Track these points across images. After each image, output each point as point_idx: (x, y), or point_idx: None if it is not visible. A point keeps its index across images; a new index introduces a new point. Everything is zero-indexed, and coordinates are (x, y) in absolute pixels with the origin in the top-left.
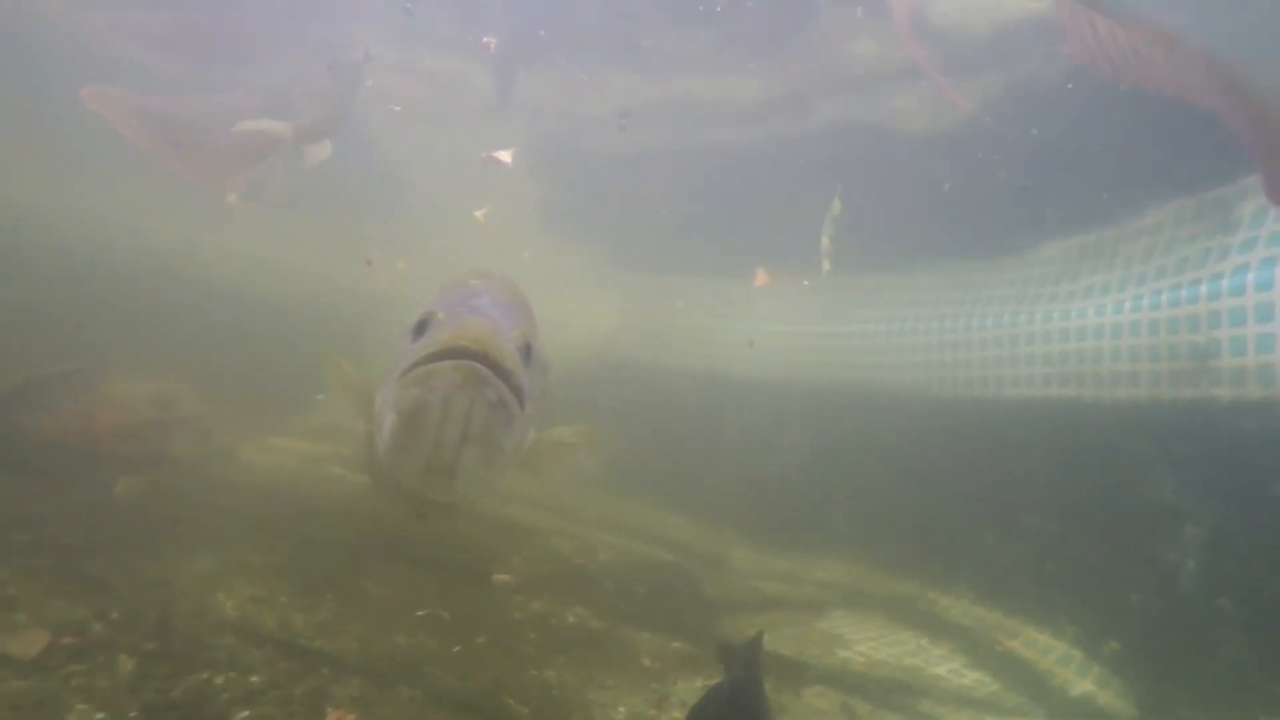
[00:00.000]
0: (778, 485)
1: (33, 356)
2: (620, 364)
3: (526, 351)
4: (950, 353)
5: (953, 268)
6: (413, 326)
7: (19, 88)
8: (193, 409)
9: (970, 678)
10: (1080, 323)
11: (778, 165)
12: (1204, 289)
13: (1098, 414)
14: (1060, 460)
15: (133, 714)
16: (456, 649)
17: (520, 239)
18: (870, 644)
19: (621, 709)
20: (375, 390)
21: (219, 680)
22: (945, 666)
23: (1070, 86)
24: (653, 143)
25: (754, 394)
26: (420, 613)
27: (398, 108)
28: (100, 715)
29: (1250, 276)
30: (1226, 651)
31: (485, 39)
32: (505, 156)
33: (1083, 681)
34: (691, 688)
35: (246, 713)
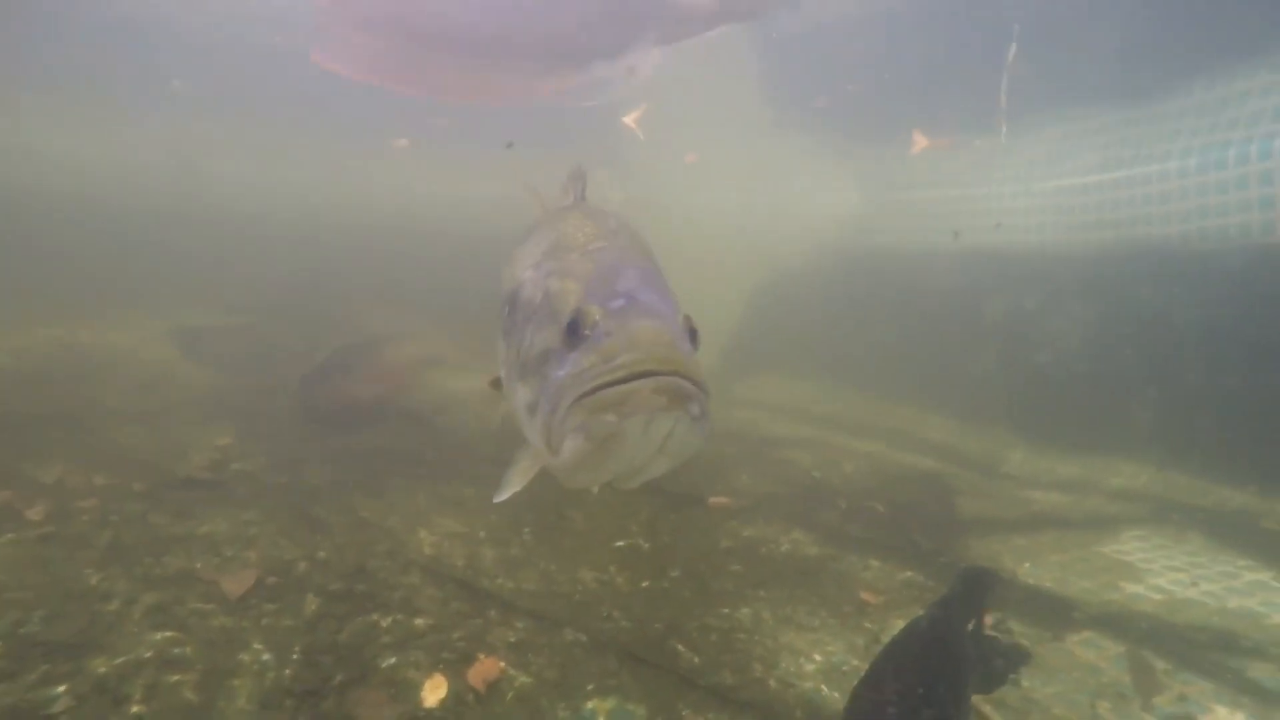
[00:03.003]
0: (1056, 373)
1: (322, 331)
2: (863, 253)
3: (694, 336)
4: None
5: None
6: (564, 327)
7: None
8: (459, 366)
9: None
10: None
11: None
12: None
13: None
14: None
15: (295, 655)
16: (645, 584)
17: (684, 139)
18: (1176, 575)
19: (817, 657)
20: (508, 377)
21: (385, 623)
22: None
23: None
24: None
25: (1020, 268)
26: (619, 544)
27: None
28: (267, 656)
29: None
30: None
31: None
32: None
33: None
34: None
35: (394, 659)
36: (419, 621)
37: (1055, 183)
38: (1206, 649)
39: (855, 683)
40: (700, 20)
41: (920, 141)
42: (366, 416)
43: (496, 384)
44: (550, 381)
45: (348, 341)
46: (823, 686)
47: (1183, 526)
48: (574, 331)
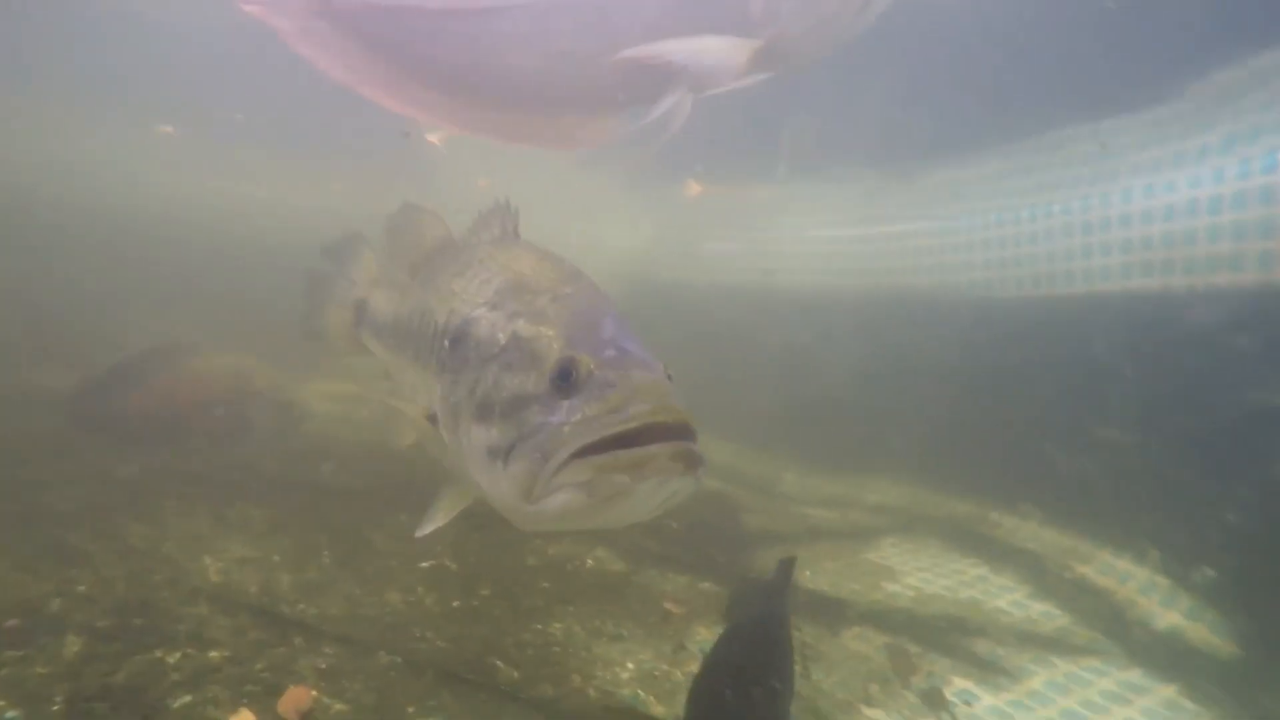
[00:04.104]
0: (825, 404)
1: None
2: (655, 284)
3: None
4: (1011, 248)
5: (1009, 150)
6: (551, 374)
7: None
8: (269, 381)
9: (1035, 610)
10: (1170, 199)
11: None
12: None
13: (1189, 306)
14: (1141, 362)
15: (56, 707)
16: (455, 604)
17: (477, 162)
18: (923, 575)
19: (630, 665)
20: (453, 414)
21: (173, 659)
22: (1007, 598)
23: None
24: None
25: (795, 308)
26: (425, 564)
27: None
28: (14, 713)
29: None
30: None
31: None
32: None
33: (1169, 613)
34: (714, 634)
35: (189, 698)
36: (214, 654)
37: (827, 233)
38: (946, 633)
39: (694, 672)
40: (732, 72)
41: (694, 188)
42: (155, 433)
43: (431, 417)
44: (534, 428)
45: (144, 348)
46: (640, 691)
47: (926, 534)
48: (564, 379)
